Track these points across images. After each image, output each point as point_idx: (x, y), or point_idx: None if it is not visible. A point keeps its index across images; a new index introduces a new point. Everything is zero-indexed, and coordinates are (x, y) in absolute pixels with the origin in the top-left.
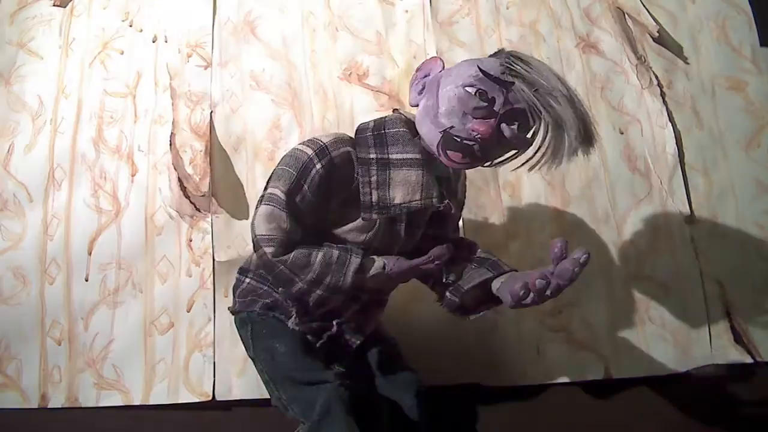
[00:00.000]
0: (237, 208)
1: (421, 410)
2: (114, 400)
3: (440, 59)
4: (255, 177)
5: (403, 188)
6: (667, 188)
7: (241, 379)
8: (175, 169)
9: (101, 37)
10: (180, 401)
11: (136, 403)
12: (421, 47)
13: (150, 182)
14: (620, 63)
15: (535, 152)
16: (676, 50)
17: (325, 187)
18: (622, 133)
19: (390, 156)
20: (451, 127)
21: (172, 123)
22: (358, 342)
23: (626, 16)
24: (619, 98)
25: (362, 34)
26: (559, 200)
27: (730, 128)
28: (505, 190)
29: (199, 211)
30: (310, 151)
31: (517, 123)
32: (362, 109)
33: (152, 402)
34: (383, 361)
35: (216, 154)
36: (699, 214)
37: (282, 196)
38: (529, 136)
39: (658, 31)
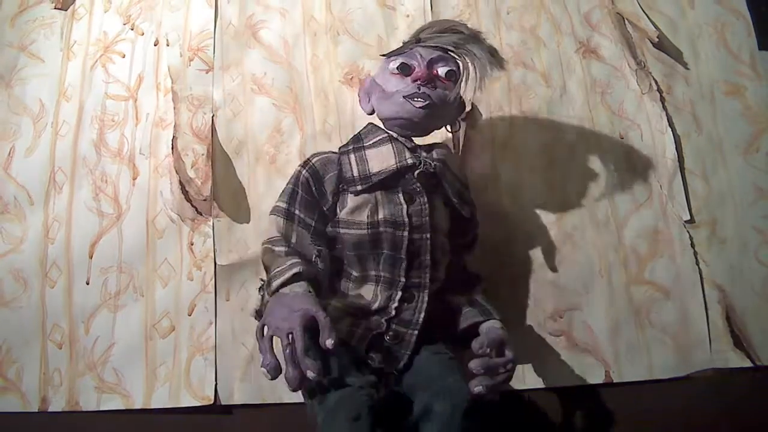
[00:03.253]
0: (238, 212)
1: (449, 422)
2: (115, 403)
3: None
4: (257, 180)
5: (379, 159)
6: (667, 193)
7: (242, 383)
8: (176, 172)
9: (103, 41)
10: (181, 405)
11: (137, 406)
12: None
13: (151, 186)
14: (620, 68)
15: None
16: (676, 56)
17: (316, 184)
18: (622, 138)
19: (364, 143)
20: (400, 92)
21: (174, 126)
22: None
23: (626, 21)
24: (619, 103)
25: (363, 38)
26: (558, 204)
27: (729, 133)
28: (505, 194)
29: (201, 214)
30: (299, 167)
31: (443, 65)
32: (363, 113)
33: (153, 406)
34: (434, 366)
35: (218, 158)
36: (698, 218)
37: (282, 205)
38: (460, 66)
39: (657, 37)
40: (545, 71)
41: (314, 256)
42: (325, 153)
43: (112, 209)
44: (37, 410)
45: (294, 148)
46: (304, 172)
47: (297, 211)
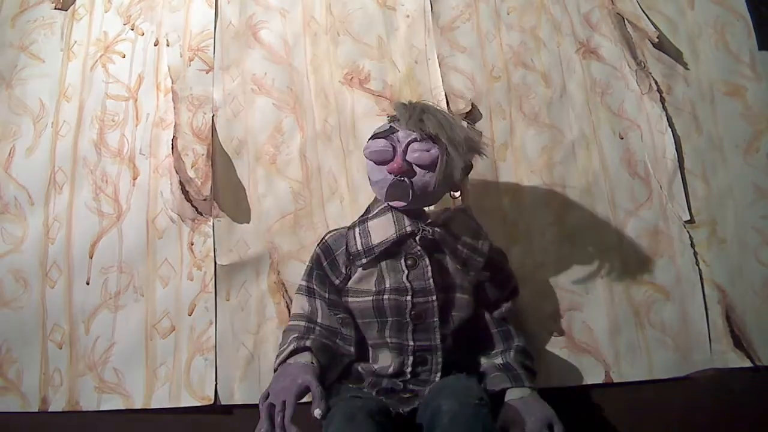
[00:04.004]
0: (238, 212)
1: (456, 419)
2: (115, 403)
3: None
4: (257, 181)
5: (380, 230)
6: (667, 193)
7: (243, 383)
8: (176, 172)
9: (103, 41)
10: (181, 405)
11: (138, 406)
12: (422, 52)
13: (151, 185)
14: (620, 68)
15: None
16: (676, 56)
17: (327, 259)
18: (622, 138)
19: (368, 215)
20: (382, 181)
21: (174, 126)
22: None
23: (626, 21)
24: (619, 103)
25: (363, 38)
26: (559, 204)
27: (728, 133)
28: (506, 195)
29: (201, 214)
30: (316, 247)
31: (422, 150)
32: (363, 113)
33: (153, 406)
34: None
35: (218, 158)
36: (698, 218)
37: (302, 282)
38: (435, 150)
39: (657, 37)
40: (545, 72)
41: (338, 324)
42: (338, 229)
43: (113, 209)
44: (37, 410)
45: (294, 148)
46: (317, 248)
47: (315, 286)
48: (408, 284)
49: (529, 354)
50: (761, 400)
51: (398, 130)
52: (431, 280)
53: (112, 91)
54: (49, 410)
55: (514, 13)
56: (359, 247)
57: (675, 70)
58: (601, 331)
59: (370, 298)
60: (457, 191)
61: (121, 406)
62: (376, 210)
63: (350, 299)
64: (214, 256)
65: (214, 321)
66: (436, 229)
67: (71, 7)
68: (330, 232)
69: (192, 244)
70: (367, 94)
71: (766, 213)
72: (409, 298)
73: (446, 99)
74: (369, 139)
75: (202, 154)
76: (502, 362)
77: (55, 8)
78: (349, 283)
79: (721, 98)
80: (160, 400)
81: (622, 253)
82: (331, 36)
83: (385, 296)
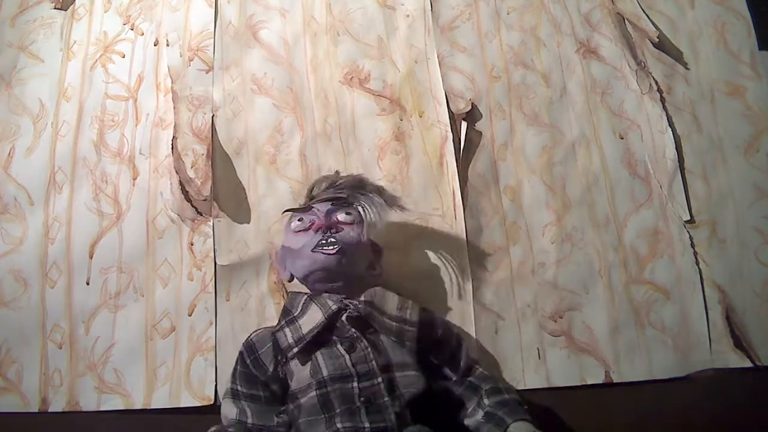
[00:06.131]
0: (239, 212)
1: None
2: (115, 404)
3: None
4: (257, 181)
5: (308, 319)
6: (667, 193)
7: None
8: (176, 172)
9: (103, 41)
10: (181, 405)
11: (138, 407)
12: (422, 51)
13: (151, 186)
14: (620, 68)
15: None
16: (676, 56)
17: (251, 357)
18: (622, 138)
19: (295, 314)
20: (307, 246)
21: (174, 126)
22: None
23: (626, 21)
24: (620, 103)
25: (363, 38)
26: (559, 204)
27: (729, 133)
28: (506, 194)
29: (201, 214)
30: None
31: (341, 212)
32: (363, 113)
33: (154, 406)
34: None
35: (218, 158)
36: (699, 218)
37: (228, 385)
38: (360, 209)
39: (657, 37)
40: (545, 71)
41: (276, 418)
42: (266, 328)
43: (112, 209)
44: (37, 410)
45: (294, 149)
46: (241, 347)
47: (240, 387)
48: (352, 369)
49: (501, 389)
50: (761, 400)
51: (313, 206)
52: (374, 362)
53: (112, 91)
54: (49, 410)
55: (514, 13)
56: (290, 341)
57: (675, 70)
58: (601, 331)
59: (314, 393)
60: (374, 269)
61: (121, 407)
62: (300, 305)
63: (296, 402)
64: (214, 257)
65: (214, 321)
66: (359, 305)
67: (71, 7)
68: (256, 331)
69: (192, 245)
70: (368, 94)
71: (766, 213)
72: (355, 384)
73: (446, 99)
74: (287, 220)
75: (202, 154)
76: (482, 415)
77: (55, 8)
78: (291, 388)
79: (721, 98)
80: (160, 400)
81: (622, 252)
82: (331, 36)
83: (329, 388)
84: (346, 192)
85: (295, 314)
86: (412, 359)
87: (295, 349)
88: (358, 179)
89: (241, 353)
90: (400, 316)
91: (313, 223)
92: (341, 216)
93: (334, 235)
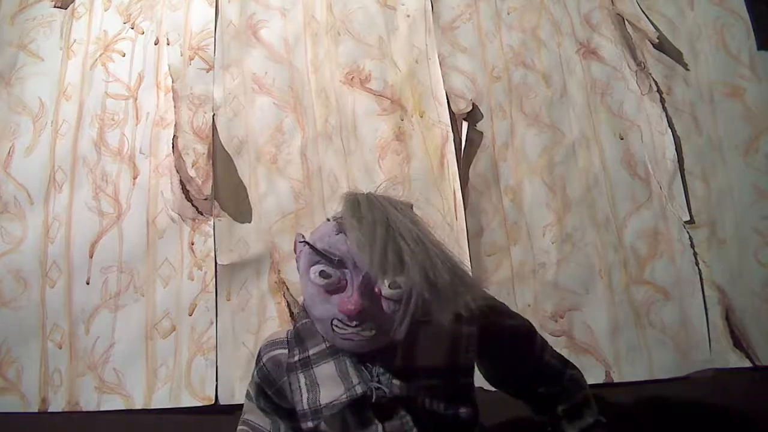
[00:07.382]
0: (239, 212)
1: None
2: (115, 404)
3: (297, 239)
4: (257, 180)
5: (326, 386)
6: (667, 193)
7: (243, 383)
8: (177, 172)
9: (103, 39)
10: (182, 405)
11: (138, 407)
12: (422, 52)
13: (152, 185)
14: (620, 69)
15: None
16: (676, 56)
17: (272, 389)
18: (622, 139)
19: (309, 353)
20: (327, 318)
21: (174, 125)
22: None
23: (626, 22)
24: (620, 104)
25: (364, 38)
26: (560, 205)
27: (728, 134)
28: (507, 195)
29: (202, 214)
30: (254, 370)
31: (385, 277)
32: (364, 113)
33: (154, 406)
34: None
35: (218, 157)
36: (698, 219)
37: (243, 416)
38: (404, 279)
39: (657, 38)
40: (545, 72)
41: None
42: (274, 348)
43: (113, 209)
44: (37, 410)
45: (295, 148)
46: (256, 376)
47: (264, 407)
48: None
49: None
50: (761, 400)
51: (345, 261)
52: (414, 430)
53: (112, 90)
54: (49, 410)
55: (515, 14)
56: (305, 405)
57: (675, 70)
58: (601, 331)
59: None
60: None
61: (122, 407)
62: (317, 351)
63: None
64: (215, 256)
65: (215, 321)
66: (395, 382)
67: (71, 6)
68: (267, 348)
69: (192, 244)
70: (368, 94)
71: (765, 214)
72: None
73: (447, 99)
74: (309, 250)
75: (203, 154)
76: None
77: (55, 6)
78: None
79: (720, 99)
80: (161, 400)
81: (622, 253)
82: (331, 35)
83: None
84: (408, 277)
85: (311, 355)
86: (464, 391)
87: (310, 424)
88: (429, 252)
89: (259, 385)
90: (446, 375)
91: (342, 286)
92: (384, 290)
93: (369, 319)
